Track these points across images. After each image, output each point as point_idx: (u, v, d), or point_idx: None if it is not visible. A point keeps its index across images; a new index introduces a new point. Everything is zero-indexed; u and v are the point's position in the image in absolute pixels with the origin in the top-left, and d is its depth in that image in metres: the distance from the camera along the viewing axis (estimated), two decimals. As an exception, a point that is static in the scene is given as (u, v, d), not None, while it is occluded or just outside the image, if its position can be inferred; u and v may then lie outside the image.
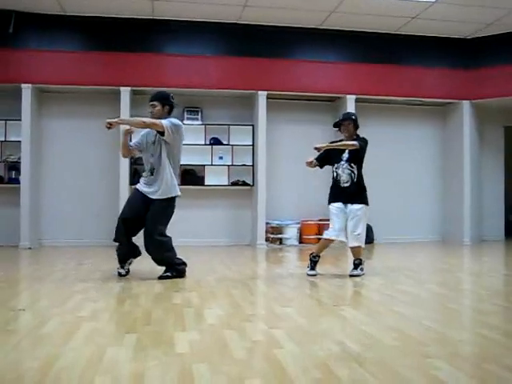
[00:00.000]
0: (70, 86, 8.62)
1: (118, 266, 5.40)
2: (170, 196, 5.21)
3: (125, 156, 5.91)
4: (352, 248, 5.54)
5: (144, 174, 5.38)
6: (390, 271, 6.01)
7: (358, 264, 5.54)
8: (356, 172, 5.49)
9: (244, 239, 9.36)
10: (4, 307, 3.88)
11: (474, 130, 9.89)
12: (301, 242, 9.33)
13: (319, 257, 5.62)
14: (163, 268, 5.33)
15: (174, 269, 5.30)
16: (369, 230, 9.49)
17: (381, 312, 3.90)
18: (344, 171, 5.51)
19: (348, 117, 5.66)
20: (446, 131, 10.20)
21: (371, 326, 3.40)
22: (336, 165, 5.58)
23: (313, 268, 5.58)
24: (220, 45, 9.06)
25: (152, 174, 5.23)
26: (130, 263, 5.44)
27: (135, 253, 5.43)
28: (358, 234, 5.45)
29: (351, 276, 5.46)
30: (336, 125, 5.70)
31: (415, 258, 7.94)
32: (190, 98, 9.21)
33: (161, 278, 5.21)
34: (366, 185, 5.59)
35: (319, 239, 9.10)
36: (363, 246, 5.55)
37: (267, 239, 9.14)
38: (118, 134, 8.54)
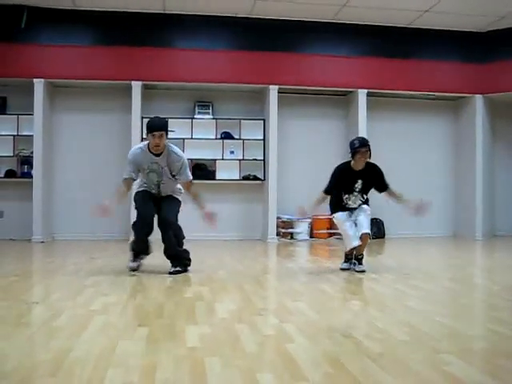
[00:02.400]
0: (82, 80, 8.65)
1: (131, 259, 5.39)
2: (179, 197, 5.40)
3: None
4: (364, 236, 5.36)
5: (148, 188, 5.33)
6: (401, 266, 6.00)
7: (361, 258, 5.51)
8: (366, 197, 5.50)
9: (255, 234, 9.37)
10: (18, 300, 3.91)
11: (486, 125, 9.81)
12: (312, 237, 9.32)
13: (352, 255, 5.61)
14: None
15: (183, 263, 5.30)
16: (380, 224, 9.50)
17: (392, 307, 3.89)
18: (355, 200, 5.47)
19: (365, 143, 5.36)
20: (459, 125, 10.14)
21: (383, 320, 3.40)
22: (347, 195, 5.46)
23: (346, 262, 5.62)
24: (231, 39, 9.04)
25: (159, 187, 5.26)
26: (141, 258, 5.45)
27: (148, 250, 5.42)
28: (367, 229, 5.38)
29: (358, 271, 5.40)
30: (353, 152, 5.33)
31: (427, 253, 7.91)
32: (201, 93, 9.22)
33: (172, 273, 5.16)
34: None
35: (330, 234, 9.17)
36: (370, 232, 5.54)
37: (278, 234, 9.14)
38: (129, 128, 8.58)
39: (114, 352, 2.62)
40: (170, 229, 5.14)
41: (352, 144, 5.37)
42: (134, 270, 5.33)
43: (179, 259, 5.28)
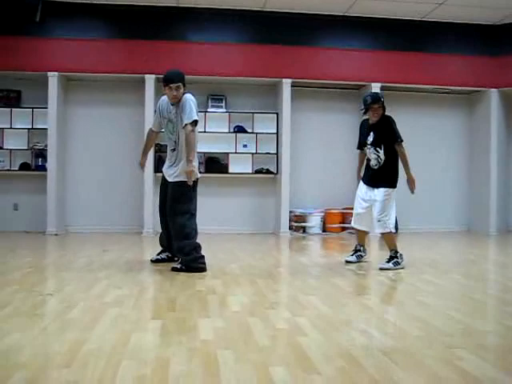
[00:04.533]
0: (96, 73, 8.67)
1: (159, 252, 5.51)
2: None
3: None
4: (382, 235, 5.46)
5: (168, 151, 5.24)
6: (414, 261, 5.97)
7: (392, 257, 5.30)
8: (383, 157, 5.34)
9: (267, 227, 9.36)
10: (32, 292, 3.95)
11: (501, 119, 9.72)
12: (324, 231, 9.31)
13: (362, 246, 5.61)
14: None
15: (185, 260, 5.00)
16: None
17: (405, 302, 3.89)
18: (371, 155, 5.41)
19: (378, 99, 5.37)
20: (473, 119, 10.06)
21: (395, 315, 3.40)
22: (365, 148, 5.50)
23: (352, 255, 5.61)
24: (244, 32, 9.02)
25: (175, 150, 5.09)
26: (167, 255, 5.40)
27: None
28: (381, 219, 5.27)
29: (380, 269, 5.23)
30: (365, 108, 5.37)
31: (440, 247, 7.88)
32: (214, 86, 9.21)
33: (172, 270, 4.95)
34: (397, 168, 5.43)
35: (343, 228, 9.16)
36: (392, 230, 5.36)
37: (291, 227, 9.13)
38: (142, 121, 8.61)
39: (127, 344, 2.64)
40: (172, 221, 5.00)
41: (365, 100, 5.40)
42: (152, 261, 5.43)
43: (182, 255, 5.04)
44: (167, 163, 5.23)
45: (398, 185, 5.45)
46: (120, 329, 2.95)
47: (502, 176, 9.73)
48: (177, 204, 4.99)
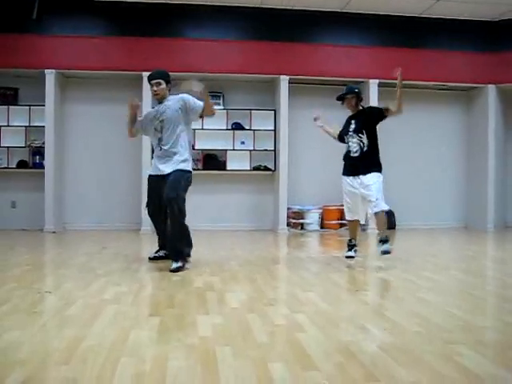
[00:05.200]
0: (93, 71, 8.66)
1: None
2: (186, 169, 5.05)
3: (132, 135, 5.71)
4: (375, 216, 5.34)
5: (156, 151, 5.21)
6: (412, 257, 5.98)
7: (385, 240, 5.30)
8: (365, 141, 5.38)
9: (265, 224, 9.37)
10: (31, 289, 3.95)
11: (499, 115, 9.73)
12: (322, 227, 9.31)
13: (354, 240, 5.57)
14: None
15: (184, 258, 4.99)
16: (391, 215, 9.46)
17: (404, 298, 3.89)
18: (354, 142, 5.44)
19: (351, 90, 5.60)
20: (471, 116, 10.06)
21: (394, 311, 3.40)
22: (346, 136, 5.58)
23: (349, 250, 5.53)
24: (242, 29, 9.01)
25: (161, 149, 5.10)
26: (164, 253, 5.36)
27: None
28: (375, 198, 5.24)
29: (383, 253, 5.21)
30: (339, 98, 5.66)
31: (438, 244, 7.89)
32: (212, 83, 9.17)
33: (172, 271, 4.78)
34: (379, 153, 5.48)
35: (341, 224, 9.16)
36: (385, 208, 5.34)
37: (289, 224, 9.14)
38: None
39: (126, 341, 2.64)
40: (172, 206, 4.83)
41: (340, 94, 5.65)
42: (150, 258, 5.42)
43: (179, 253, 4.97)
44: (157, 162, 5.16)
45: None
46: (119, 326, 2.95)
47: (500, 172, 9.75)
48: (178, 186, 4.89)
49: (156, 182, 5.13)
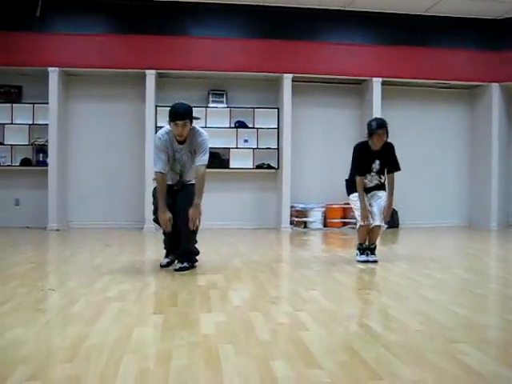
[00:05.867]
0: (96, 69, 8.67)
1: (165, 255, 5.09)
2: None
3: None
4: (379, 228, 5.38)
5: (171, 180, 4.84)
6: (415, 256, 5.98)
7: (374, 248, 5.44)
8: (383, 181, 5.42)
9: (269, 222, 9.37)
10: (34, 287, 3.96)
11: (502, 113, 9.71)
12: (325, 226, 9.31)
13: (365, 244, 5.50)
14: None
15: (192, 259, 4.89)
16: (394, 214, 9.46)
17: (406, 296, 3.89)
18: (372, 181, 5.38)
19: (383, 124, 5.27)
20: (474, 114, 10.04)
21: (397, 309, 3.40)
22: (365, 174, 5.34)
23: (362, 254, 5.44)
24: (245, 27, 9.00)
25: (181, 177, 4.86)
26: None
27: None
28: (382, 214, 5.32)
29: (373, 262, 5.31)
30: (370, 133, 5.27)
31: (441, 242, 7.88)
32: (215, 81, 9.20)
33: (178, 270, 4.72)
34: None
35: (344, 223, 9.15)
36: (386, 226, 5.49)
37: (292, 222, 9.14)
38: (143, 116, 8.62)
39: (129, 339, 2.64)
40: (185, 218, 4.63)
41: (369, 125, 5.29)
42: (162, 266, 4.92)
43: (188, 255, 4.88)
44: (174, 181, 4.87)
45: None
46: (122, 323, 2.96)
47: (503, 171, 9.73)
48: (193, 196, 4.66)
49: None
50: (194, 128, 4.70)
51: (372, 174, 5.35)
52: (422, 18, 9.25)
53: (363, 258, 5.42)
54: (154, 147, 4.82)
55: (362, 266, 5.21)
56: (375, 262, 5.35)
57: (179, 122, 4.51)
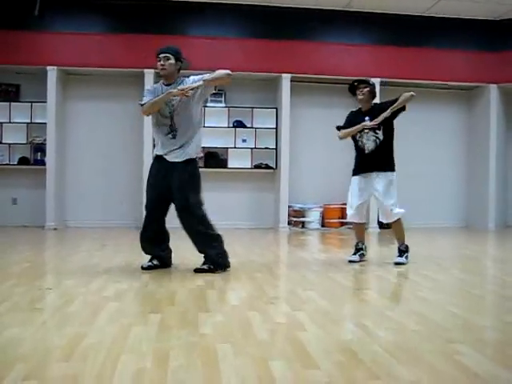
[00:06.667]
0: (95, 68, 8.66)
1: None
2: (195, 157, 4.69)
3: (150, 113, 4.65)
4: (392, 225, 5.30)
5: (161, 139, 4.64)
6: (413, 256, 5.97)
7: (403, 251, 5.30)
8: (381, 136, 5.17)
9: (266, 222, 9.37)
10: (32, 286, 3.95)
11: (500, 115, 9.73)
12: (323, 226, 9.32)
13: (362, 243, 5.45)
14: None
15: (211, 260, 4.65)
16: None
17: (404, 297, 3.89)
18: (369, 138, 5.20)
19: (363, 81, 5.27)
20: (472, 115, 10.06)
21: (394, 310, 3.40)
22: (359, 134, 5.23)
23: (354, 254, 5.40)
24: (244, 27, 9.01)
25: (174, 138, 4.57)
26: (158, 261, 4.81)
27: (160, 254, 4.82)
28: (392, 205, 5.17)
29: (396, 264, 5.18)
30: (351, 88, 5.30)
31: (439, 243, 7.89)
32: (214, 81, 9.18)
33: (197, 270, 4.58)
34: (393, 149, 5.30)
35: (342, 223, 9.16)
36: (400, 214, 5.28)
37: (290, 222, 9.14)
38: (141, 116, 8.59)
39: (126, 338, 2.64)
40: (186, 217, 4.59)
41: (351, 84, 5.35)
42: (144, 268, 4.70)
43: (209, 255, 4.68)
44: (166, 149, 4.63)
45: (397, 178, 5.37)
46: (119, 323, 2.95)
47: (501, 172, 9.75)
48: (189, 192, 4.58)
49: (158, 169, 4.71)
50: (183, 77, 4.74)
51: (365, 130, 5.19)
52: (421, 18, 9.26)
53: (354, 257, 5.35)
54: (144, 92, 4.85)
55: (360, 266, 5.20)
56: (399, 264, 5.18)
57: (160, 56, 4.61)
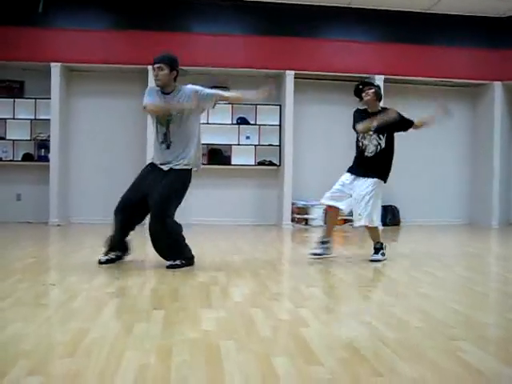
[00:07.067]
0: (99, 64, 8.66)
1: (103, 252, 4.84)
2: (193, 168, 4.71)
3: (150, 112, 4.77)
4: (366, 228, 5.29)
5: (157, 148, 4.69)
6: (416, 253, 5.98)
7: (378, 248, 5.29)
8: (383, 144, 5.19)
9: (270, 219, 9.37)
10: (35, 282, 3.96)
11: (505, 112, 9.69)
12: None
13: (329, 237, 5.39)
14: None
15: (184, 257, 4.70)
16: (395, 211, 9.46)
17: (407, 294, 3.89)
18: (371, 142, 5.21)
19: (368, 83, 5.36)
20: (476, 113, 10.03)
21: (397, 307, 3.40)
22: (363, 134, 5.24)
23: (316, 247, 5.35)
24: (248, 24, 8.99)
25: (168, 148, 4.61)
26: (117, 254, 4.84)
27: (123, 246, 4.86)
28: (364, 214, 5.11)
29: (371, 261, 5.22)
30: (357, 91, 5.33)
31: (442, 240, 7.88)
32: (217, 78, 9.18)
33: (170, 267, 4.59)
34: (392, 159, 5.31)
35: (345, 220, 9.14)
36: (378, 226, 5.30)
37: (293, 219, 9.14)
38: (145, 113, 8.60)
39: (130, 334, 2.65)
40: (158, 223, 4.51)
41: (357, 86, 5.38)
42: (101, 263, 4.71)
43: (177, 252, 4.69)
44: (160, 159, 4.69)
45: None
46: (123, 319, 2.96)
47: (505, 169, 9.72)
48: (167, 203, 4.51)
49: (145, 176, 4.79)
50: (180, 86, 4.70)
51: (370, 133, 5.19)
52: (424, 15, 9.23)
53: (316, 250, 5.31)
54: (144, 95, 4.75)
55: (363, 263, 5.19)
56: (375, 261, 5.20)
57: (154, 66, 4.58)
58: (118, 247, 4.83)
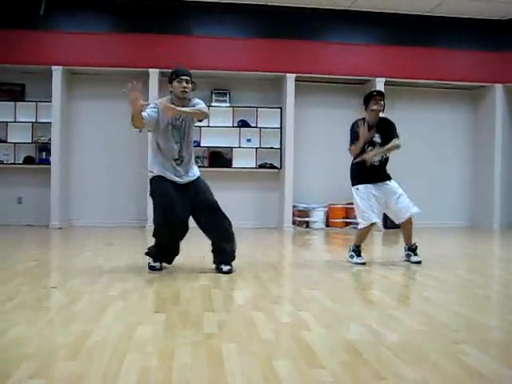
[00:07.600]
0: (100, 67, 8.68)
1: (152, 259, 4.75)
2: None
3: (137, 127, 4.73)
4: (406, 226, 5.49)
5: (168, 164, 4.62)
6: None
7: (415, 249, 5.44)
8: (387, 155, 5.33)
9: (271, 222, 9.37)
10: (37, 285, 3.97)
11: (506, 114, 9.70)
12: (328, 226, 9.31)
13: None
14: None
15: (231, 254, 4.75)
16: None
17: (409, 297, 3.89)
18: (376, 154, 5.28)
19: (382, 93, 5.40)
20: (478, 115, 10.03)
21: (399, 310, 3.40)
22: (369, 147, 5.28)
23: (359, 255, 5.32)
24: (249, 27, 9.01)
25: (181, 163, 4.64)
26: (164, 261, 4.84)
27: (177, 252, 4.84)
28: (410, 203, 5.46)
29: (414, 263, 5.27)
30: (367, 98, 5.37)
31: (443, 243, 7.87)
32: (218, 81, 9.20)
33: (228, 272, 4.60)
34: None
35: (346, 223, 9.15)
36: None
37: (294, 222, 9.14)
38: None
39: (132, 337, 2.65)
40: (222, 220, 4.71)
41: (368, 92, 5.46)
42: (156, 269, 4.71)
43: (232, 254, 4.77)
44: (173, 172, 4.63)
45: (399, 182, 5.45)
46: (125, 321, 2.96)
47: (506, 172, 9.72)
48: (215, 200, 4.80)
49: (169, 188, 4.59)
50: (193, 98, 4.74)
51: (376, 145, 5.27)
52: (425, 18, 9.24)
53: (360, 259, 5.26)
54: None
55: (364, 266, 5.19)
56: (418, 263, 5.26)
57: (184, 77, 4.59)
58: (174, 253, 4.79)
